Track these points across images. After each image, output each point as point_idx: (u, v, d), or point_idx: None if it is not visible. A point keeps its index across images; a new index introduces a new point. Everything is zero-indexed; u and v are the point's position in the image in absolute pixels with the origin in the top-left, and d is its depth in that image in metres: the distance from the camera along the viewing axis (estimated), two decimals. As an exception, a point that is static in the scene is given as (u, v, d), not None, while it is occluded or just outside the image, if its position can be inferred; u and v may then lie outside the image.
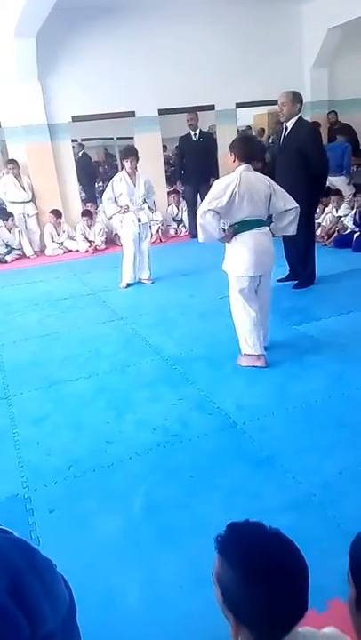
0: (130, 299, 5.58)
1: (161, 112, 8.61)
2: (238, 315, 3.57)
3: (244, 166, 3.38)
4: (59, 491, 2.53)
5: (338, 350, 3.75)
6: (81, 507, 2.40)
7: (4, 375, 3.88)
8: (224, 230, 3.40)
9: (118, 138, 11.74)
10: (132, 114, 8.48)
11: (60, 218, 8.17)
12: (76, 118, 8.17)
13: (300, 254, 5.24)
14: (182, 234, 8.76)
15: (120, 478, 2.58)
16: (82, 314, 5.20)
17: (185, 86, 8.39)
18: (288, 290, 5.20)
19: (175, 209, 8.91)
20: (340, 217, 7.20)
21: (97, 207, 8.84)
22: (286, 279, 5.37)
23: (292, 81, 8.31)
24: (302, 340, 4.02)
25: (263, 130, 12.00)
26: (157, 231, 8.25)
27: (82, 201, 9.03)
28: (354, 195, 7.31)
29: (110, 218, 6.19)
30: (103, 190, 6.67)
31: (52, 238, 8.19)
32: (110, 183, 5.81)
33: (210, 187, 3.46)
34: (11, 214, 7.94)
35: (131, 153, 5.72)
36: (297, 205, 3.53)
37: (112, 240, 8.32)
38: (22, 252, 8.10)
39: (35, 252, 8.15)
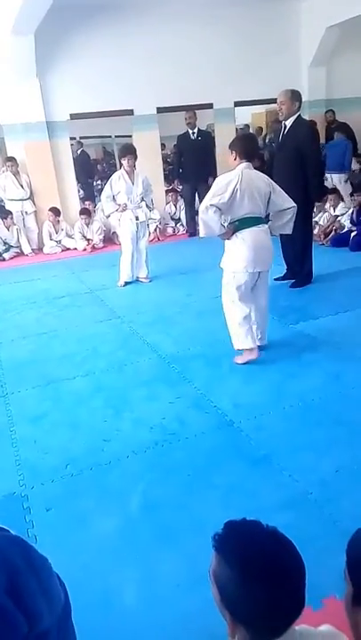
0: (127, 297, 5.58)
1: (159, 110, 8.59)
2: (230, 310, 3.59)
3: (245, 164, 3.40)
4: (56, 489, 2.53)
5: (335, 349, 3.76)
6: (78, 505, 2.40)
7: (1, 373, 3.88)
8: (224, 227, 3.42)
9: (116, 136, 11.72)
10: (130, 112, 8.47)
11: (59, 216, 8.16)
12: (74, 116, 8.15)
13: (297, 253, 5.24)
14: (180, 232, 8.75)
15: (117, 477, 2.58)
16: (79, 312, 5.20)
17: (183, 85, 8.37)
18: (285, 289, 5.20)
19: (173, 207, 8.90)
20: (338, 216, 7.21)
21: (95, 205, 8.83)
22: (283, 278, 5.37)
23: (290, 79, 8.30)
24: (299, 338, 4.03)
25: (261, 128, 11.99)
26: (155, 230, 8.24)
27: (80, 199, 9.01)
28: (351, 194, 7.32)
29: (108, 216, 6.18)
30: (101, 188, 6.66)
31: (51, 236, 8.18)
32: (109, 181, 5.80)
33: (208, 185, 3.48)
34: (9, 212, 7.93)
35: (128, 151, 5.72)
36: (294, 205, 3.56)
37: (110, 238, 8.31)
38: (20, 249, 8.08)
39: (33, 249, 8.13)
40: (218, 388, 3.36)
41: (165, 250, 7.65)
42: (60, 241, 8.25)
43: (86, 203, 8.87)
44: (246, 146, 3.47)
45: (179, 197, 8.85)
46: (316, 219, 6.92)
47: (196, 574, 1.85)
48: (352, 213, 6.92)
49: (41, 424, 3.14)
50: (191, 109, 8.24)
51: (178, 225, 8.85)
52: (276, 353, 3.74)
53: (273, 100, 5.19)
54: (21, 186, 7.99)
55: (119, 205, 5.75)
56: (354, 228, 6.73)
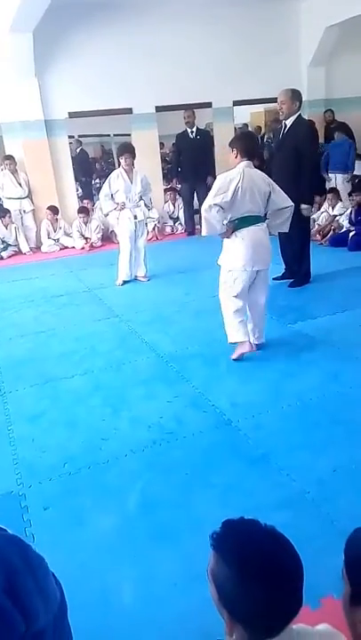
0: (126, 296, 5.58)
1: (158, 109, 8.58)
2: (224, 304, 3.63)
3: (245, 162, 3.41)
4: (53, 488, 2.53)
5: (333, 348, 3.77)
6: (76, 504, 2.40)
7: (-1, 372, 3.88)
8: (224, 225, 3.43)
9: (115, 134, 11.71)
10: (129, 110, 8.46)
11: (57, 214, 8.15)
12: (72, 114, 8.13)
13: (295, 253, 5.25)
14: (178, 231, 8.74)
15: (115, 476, 2.58)
16: (78, 311, 5.19)
17: (182, 83, 8.35)
18: (284, 288, 5.21)
19: (172, 206, 8.89)
20: (336, 216, 7.21)
21: (94, 204, 8.81)
22: (282, 277, 5.37)
23: (290, 79, 8.27)
24: (297, 337, 4.03)
25: (260, 128, 11.99)
26: (154, 228, 8.23)
27: (78, 198, 9.00)
28: (349, 194, 7.32)
29: (107, 215, 6.18)
30: (100, 187, 6.65)
31: (49, 235, 8.17)
32: (107, 180, 5.79)
33: (207, 184, 3.50)
34: (7, 210, 7.91)
35: (127, 150, 5.71)
36: (292, 204, 3.59)
37: (108, 237, 8.29)
38: (18, 248, 8.06)
39: (31, 248, 8.12)
40: (216, 387, 3.36)
41: (164, 249, 7.65)
42: (58, 239, 8.23)
43: (85, 201, 8.86)
44: (247, 144, 3.48)
45: (177, 196, 8.83)
46: (314, 216, 6.92)
47: (193, 573, 1.85)
48: (351, 213, 6.92)
49: (39, 423, 3.14)
50: (190, 108, 8.24)
51: (176, 224, 8.84)
52: (274, 352, 3.74)
53: (272, 100, 5.19)
54: (19, 184, 7.97)
55: (117, 204, 5.75)
56: (352, 228, 6.74)
